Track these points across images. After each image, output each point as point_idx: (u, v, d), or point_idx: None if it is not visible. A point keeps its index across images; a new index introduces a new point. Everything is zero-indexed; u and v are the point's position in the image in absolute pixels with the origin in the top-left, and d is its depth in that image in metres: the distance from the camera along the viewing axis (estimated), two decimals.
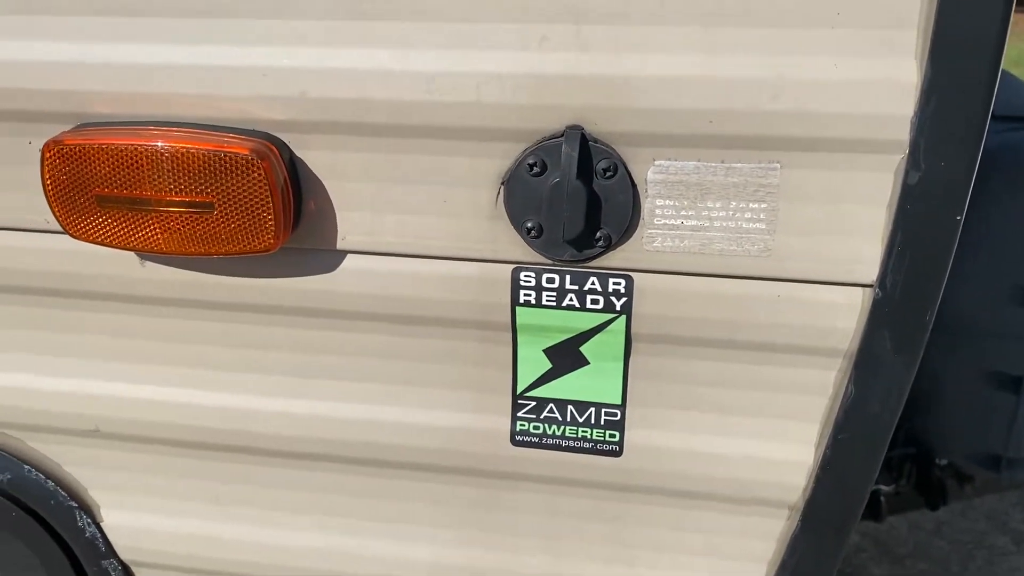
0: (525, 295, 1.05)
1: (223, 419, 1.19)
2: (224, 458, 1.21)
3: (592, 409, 1.11)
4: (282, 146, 1.01)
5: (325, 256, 1.07)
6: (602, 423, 1.11)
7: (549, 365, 1.10)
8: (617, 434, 1.11)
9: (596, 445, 1.12)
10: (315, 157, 1.02)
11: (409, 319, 1.09)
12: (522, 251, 1.03)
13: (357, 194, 1.03)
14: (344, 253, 1.07)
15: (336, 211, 1.04)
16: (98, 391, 1.21)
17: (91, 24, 1.00)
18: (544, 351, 1.09)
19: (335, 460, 1.19)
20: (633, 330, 1.05)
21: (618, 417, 1.11)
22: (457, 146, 0.99)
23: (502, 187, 1.00)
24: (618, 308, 1.04)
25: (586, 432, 1.12)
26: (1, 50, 1.03)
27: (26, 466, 1.28)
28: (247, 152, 0.97)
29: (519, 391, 1.12)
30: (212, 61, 0.98)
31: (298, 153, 1.01)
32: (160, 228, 1.01)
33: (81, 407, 1.23)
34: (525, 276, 1.04)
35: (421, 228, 1.04)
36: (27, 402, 1.25)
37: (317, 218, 1.05)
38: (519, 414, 1.13)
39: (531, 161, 0.97)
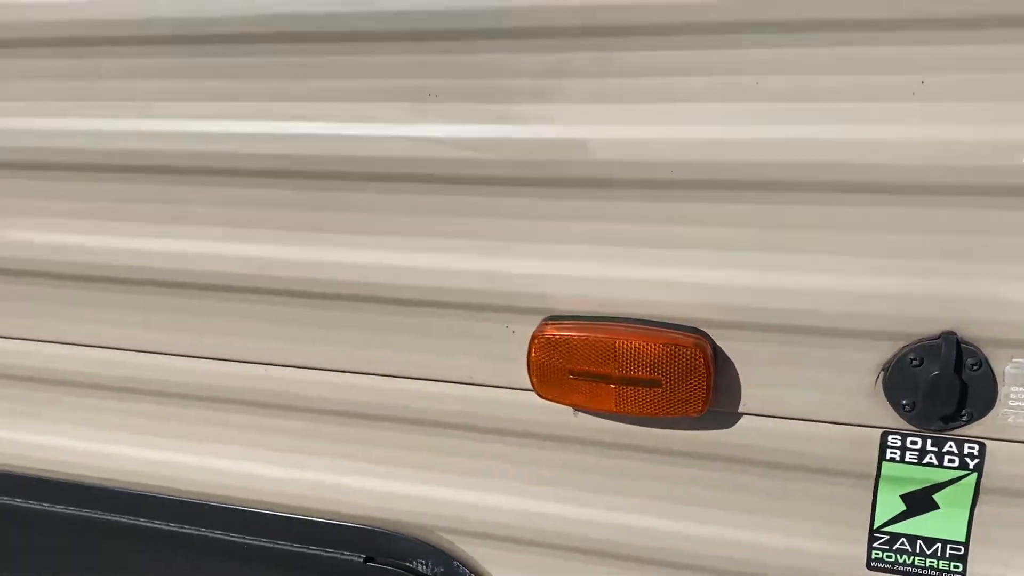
0: (891, 453, 1.34)
1: (649, 538, 1.51)
2: (644, 569, 1.54)
3: (939, 544, 1.38)
4: (708, 337, 1.35)
5: (727, 416, 1.40)
6: (947, 556, 1.38)
7: (903, 507, 1.38)
8: (960, 566, 1.38)
9: (941, 574, 1.39)
10: (730, 346, 1.36)
11: (791, 467, 1.40)
12: (891, 419, 1.33)
13: (759, 373, 1.36)
14: (743, 415, 1.40)
15: (741, 384, 1.37)
16: (512, 505, 1.57)
17: (565, 250, 1.38)
18: (900, 496, 1.37)
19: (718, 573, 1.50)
20: (982, 484, 1.32)
21: (962, 552, 1.37)
22: (848, 342, 1.30)
23: (882, 373, 1.30)
24: (971, 467, 1.32)
25: (933, 563, 1.39)
26: (474, 262, 1.42)
27: (455, 562, 1.64)
28: (691, 345, 1.32)
29: (875, 526, 1.40)
30: (662, 278, 1.34)
31: (718, 343, 1.36)
32: (615, 396, 1.37)
33: (500, 518, 1.59)
34: (892, 439, 1.34)
35: (808, 399, 1.35)
36: (457, 512, 1.62)
37: (725, 389, 1.38)
38: (874, 545, 1.41)
39: (912, 356, 1.27)
